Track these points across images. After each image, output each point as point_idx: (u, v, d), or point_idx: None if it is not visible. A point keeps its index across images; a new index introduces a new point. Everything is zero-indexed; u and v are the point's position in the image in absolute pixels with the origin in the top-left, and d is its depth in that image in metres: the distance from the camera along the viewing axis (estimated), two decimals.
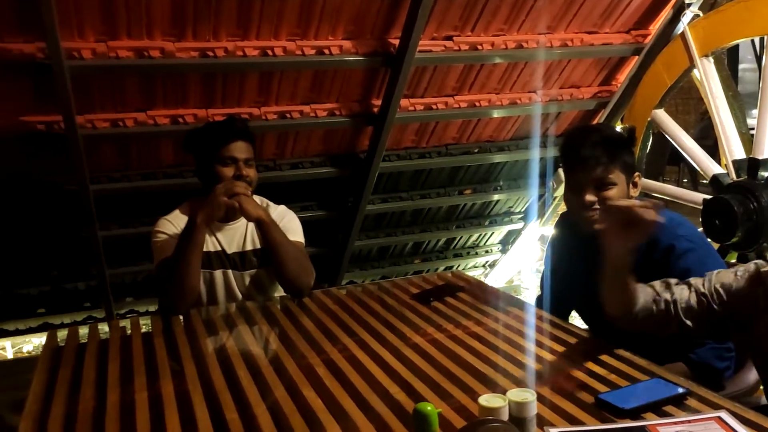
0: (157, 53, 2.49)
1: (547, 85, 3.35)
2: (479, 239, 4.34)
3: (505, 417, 1.16)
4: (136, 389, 1.48)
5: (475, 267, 4.46)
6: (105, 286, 3.16)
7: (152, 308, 3.55)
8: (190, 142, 2.19)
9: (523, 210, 4.18)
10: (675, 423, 1.22)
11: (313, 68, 2.79)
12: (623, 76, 3.45)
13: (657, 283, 1.55)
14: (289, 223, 2.19)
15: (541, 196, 4.03)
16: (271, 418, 1.32)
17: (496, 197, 3.94)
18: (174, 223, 2.13)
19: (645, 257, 1.65)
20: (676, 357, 1.68)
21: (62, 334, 1.88)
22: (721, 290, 1.49)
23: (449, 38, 2.89)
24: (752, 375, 1.73)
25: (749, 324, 1.47)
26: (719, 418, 1.23)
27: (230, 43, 2.57)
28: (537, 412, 1.22)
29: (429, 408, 1.14)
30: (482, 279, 4.40)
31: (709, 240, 2.11)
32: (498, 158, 3.66)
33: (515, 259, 4.43)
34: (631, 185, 1.78)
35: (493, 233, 4.30)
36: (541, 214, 4.06)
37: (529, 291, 4.50)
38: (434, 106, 3.15)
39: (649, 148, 3.47)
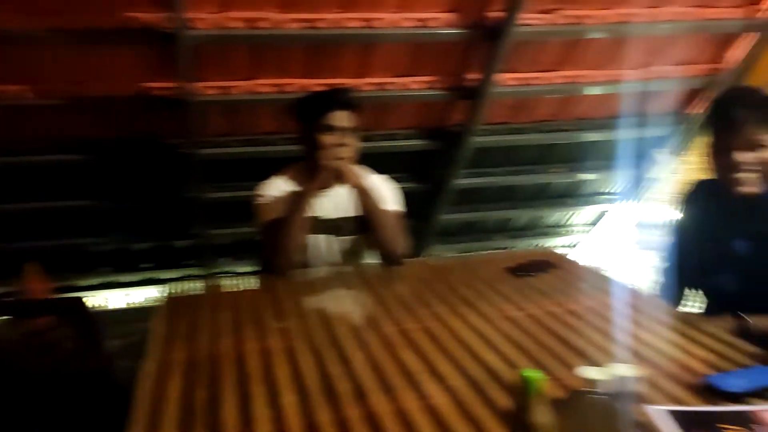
0: (267, 24, 2.58)
1: (650, 62, 3.24)
2: (566, 218, 4.28)
3: (608, 390, 1.18)
4: (246, 340, 1.58)
5: (559, 246, 4.41)
6: (207, 245, 3.35)
7: (249, 269, 3.72)
8: (295, 109, 2.28)
9: (613, 191, 4.09)
10: None
11: (412, 41, 2.81)
12: (735, 54, 3.28)
13: None
14: (386, 193, 2.25)
15: (637, 177, 3.92)
16: (373, 375, 1.39)
17: (586, 176, 3.87)
18: (276, 187, 2.22)
19: None
20: None
21: (170, 288, 2.02)
22: None
23: (552, 11, 2.83)
24: None
25: None
26: None
27: (334, 15, 2.63)
28: (641, 389, 1.22)
29: (532, 374, 1.17)
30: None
31: None
32: (591, 137, 3.58)
33: (603, 240, 4.34)
34: None
35: (579, 213, 4.23)
36: (635, 195, 3.96)
37: (621, 272, 4.40)
38: (531, 82, 3.11)
39: None
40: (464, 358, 1.46)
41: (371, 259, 2.30)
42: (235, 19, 2.53)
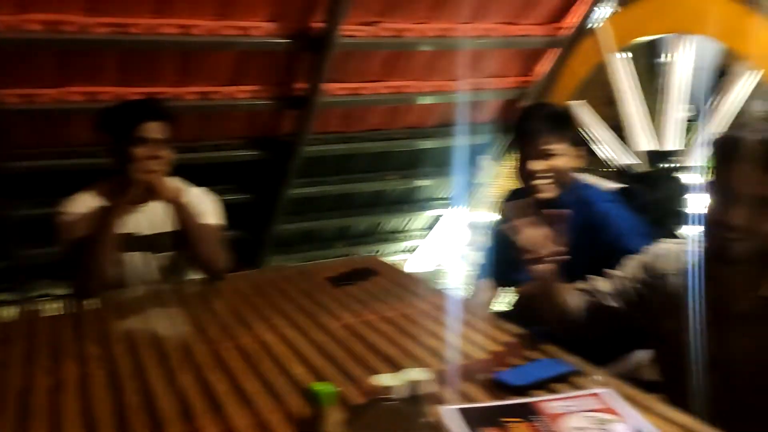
0: (71, 27, 2.41)
1: (471, 73, 3.43)
2: (403, 224, 4.41)
3: (401, 395, 1.21)
4: (38, 373, 1.45)
5: (399, 251, 4.54)
6: (19, 267, 3.06)
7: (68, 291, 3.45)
8: (103, 120, 2.14)
9: (446, 196, 4.28)
10: (558, 399, 1.30)
11: (234, 49, 2.76)
12: (543, 68, 3.57)
13: (584, 284, 1.61)
14: (204, 206, 2.18)
15: (465, 183, 4.13)
16: (174, 401, 1.33)
17: (420, 183, 4.02)
18: (82, 203, 2.08)
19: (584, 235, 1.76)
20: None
21: None
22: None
23: (373, 23, 2.91)
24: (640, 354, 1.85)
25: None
26: (599, 394, 1.32)
27: (147, 20, 2.51)
28: (434, 390, 1.27)
29: (321, 386, 1.18)
30: (405, 263, 4.49)
31: None
32: (423, 145, 3.73)
33: (439, 243, 4.53)
34: (576, 158, 1.96)
35: (416, 219, 4.38)
36: (465, 200, 4.17)
37: (454, 275, 4.61)
38: (360, 91, 3.18)
39: None
40: (273, 374, 1.44)
41: (193, 275, 2.22)
42: (33, 22, 2.34)
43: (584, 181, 2.03)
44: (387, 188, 3.94)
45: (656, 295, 1.52)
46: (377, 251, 4.43)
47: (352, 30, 2.85)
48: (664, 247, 1.55)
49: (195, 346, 1.61)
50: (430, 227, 4.50)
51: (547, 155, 1.91)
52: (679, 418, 1.24)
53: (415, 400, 1.21)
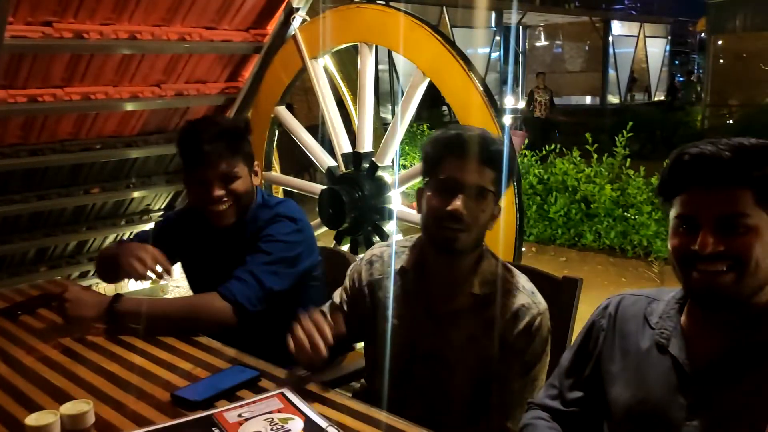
0: None
1: (172, 79, 3.30)
2: (118, 238, 4.09)
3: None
4: None
5: None
6: None
7: None
8: None
9: (162, 207, 4.07)
10: (241, 406, 1.30)
11: None
12: (248, 73, 3.57)
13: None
14: None
15: (180, 192, 3.97)
16: None
17: (130, 195, 3.76)
18: None
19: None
20: None
21: None
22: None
23: (48, 24, 2.63)
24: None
25: None
26: (282, 394, 1.34)
27: None
28: (98, 419, 1.18)
29: None
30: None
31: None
32: (127, 154, 3.49)
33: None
34: (252, 174, 1.87)
35: (132, 233, 4.10)
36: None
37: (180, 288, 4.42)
38: (40, 98, 2.85)
39: (275, 143, 3.66)
40: None
41: None
42: None
43: (262, 199, 1.91)
44: (90, 203, 3.60)
45: (367, 299, 1.58)
46: (90, 271, 4.05)
47: (21, 30, 2.54)
48: (377, 251, 1.63)
49: None
50: None
51: (227, 179, 1.77)
52: (368, 412, 1.31)
53: None
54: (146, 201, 3.96)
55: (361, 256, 1.73)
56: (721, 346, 1.11)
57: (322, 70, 3.30)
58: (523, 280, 1.51)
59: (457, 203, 1.39)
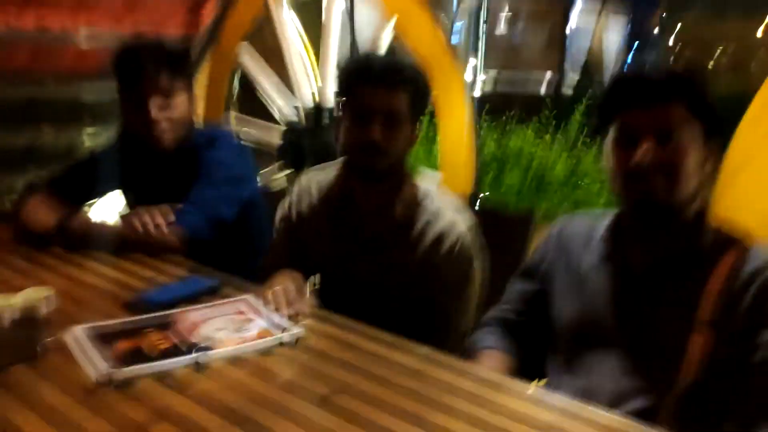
0: None
1: (131, 17, 3.20)
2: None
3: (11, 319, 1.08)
4: None
5: None
6: None
7: None
8: None
9: None
10: (200, 308, 1.31)
11: None
12: (207, 15, 3.47)
13: None
14: None
15: None
16: None
17: (85, 135, 3.65)
18: None
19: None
20: None
21: None
22: None
23: None
24: None
25: None
26: (240, 300, 1.35)
27: None
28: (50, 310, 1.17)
29: None
30: None
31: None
32: (85, 92, 3.38)
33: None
34: (192, 101, 1.81)
35: None
36: None
37: None
38: None
39: (238, 86, 3.58)
40: None
41: None
42: None
43: (203, 127, 1.90)
44: (40, 141, 3.48)
45: (305, 224, 1.59)
46: None
47: None
48: (304, 180, 1.62)
49: None
50: None
51: (166, 97, 1.69)
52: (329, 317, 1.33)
53: (29, 323, 1.10)
54: (100, 142, 3.86)
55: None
56: (653, 257, 1.19)
57: (285, 16, 3.21)
58: (445, 204, 1.52)
59: (372, 132, 1.39)
